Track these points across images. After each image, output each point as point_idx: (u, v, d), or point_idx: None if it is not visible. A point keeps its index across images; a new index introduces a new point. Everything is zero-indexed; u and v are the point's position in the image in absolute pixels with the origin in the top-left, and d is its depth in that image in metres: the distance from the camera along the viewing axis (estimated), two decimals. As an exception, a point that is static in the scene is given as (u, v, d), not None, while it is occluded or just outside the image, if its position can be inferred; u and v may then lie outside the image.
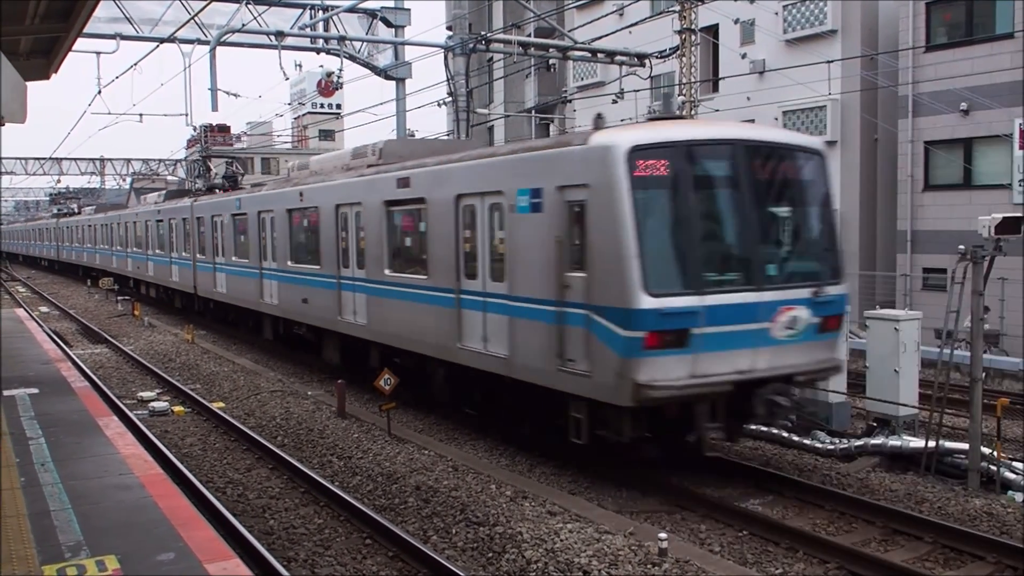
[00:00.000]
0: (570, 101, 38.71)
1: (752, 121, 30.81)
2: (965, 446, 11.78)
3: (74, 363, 15.18)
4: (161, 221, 30.76)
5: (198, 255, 26.38)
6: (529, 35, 33.68)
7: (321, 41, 24.29)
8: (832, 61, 24.78)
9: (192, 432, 14.30)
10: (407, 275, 14.49)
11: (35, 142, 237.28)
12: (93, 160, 61.82)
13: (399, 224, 15.07)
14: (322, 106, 77.09)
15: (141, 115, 45.96)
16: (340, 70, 24.81)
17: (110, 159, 62.33)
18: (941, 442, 11.94)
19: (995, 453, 11.53)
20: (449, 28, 34.25)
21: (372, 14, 25.62)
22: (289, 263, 19.27)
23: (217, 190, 29.70)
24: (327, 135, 79.54)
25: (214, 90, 20.88)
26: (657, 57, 24.45)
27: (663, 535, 8.86)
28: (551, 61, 37.36)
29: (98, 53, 23.03)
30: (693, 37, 18.54)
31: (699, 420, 10.26)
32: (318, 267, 17.67)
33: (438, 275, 13.33)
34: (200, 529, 6.24)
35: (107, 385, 17.43)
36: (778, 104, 29.33)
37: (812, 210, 11.39)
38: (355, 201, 16.16)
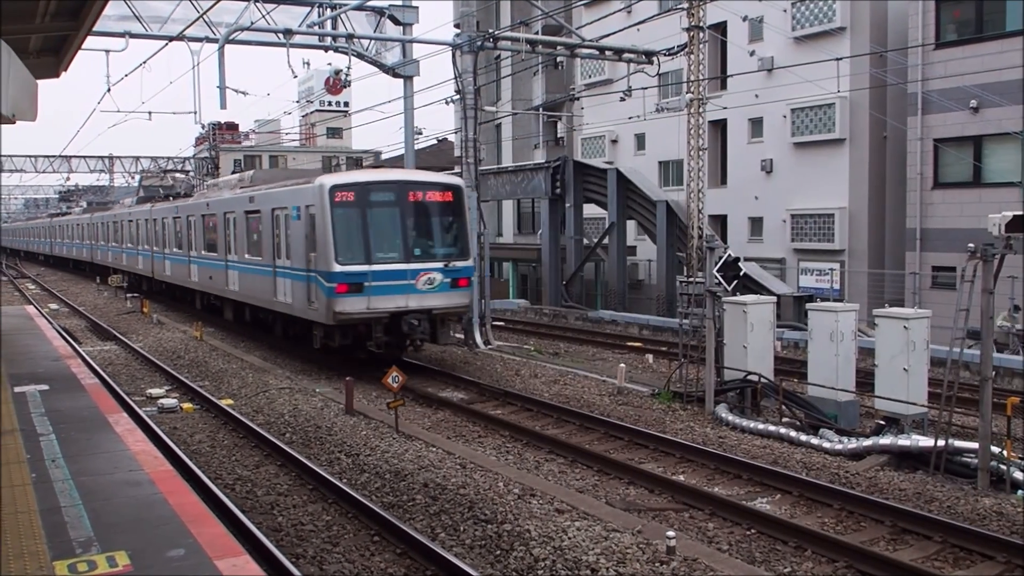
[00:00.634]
0: (578, 99, 38.68)
1: (760, 119, 30.83)
2: (975, 445, 11.75)
3: (84, 360, 15.23)
4: (131, 221, 37.58)
5: (154, 247, 33.30)
6: (537, 33, 33.69)
7: (329, 39, 24.28)
8: (841, 58, 24.72)
9: (201, 429, 14.34)
10: (255, 258, 21.71)
11: (45, 140, 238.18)
12: (102, 158, 61.93)
13: (251, 226, 22.09)
14: (330, 104, 77.12)
15: (150, 113, 46.35)
16: (348, 68, 24.79)
17: (119, 157, 62.44)
18: (950, 441, 11.91)
19: (1005, 452, 11.49)
20: (457, 26, 34.22)
21: (380, 12, 25.60)
22: (203, 252, 26.59)
23: (171, 197, 34.97)
24: (335, 133, 79.61)
25: (222, 88, 20.93)
26: (665, 54, 24.41)
27: (671, 533, 8.86)
28: (559, 59, 37.43)
29: (107, 51, 23.08)
30: (701, 34, 18.47)
31: (374, 333, 17.74)
32: (216, 255, 25.01)
33: (266, 257, 20.77)
34: (210, 525, 6.26)
35: (116, 382, 17.48)
36: (786, 102, 29.27)
37: (447, 219, 18.78)
38: (232, 210, 23.61)
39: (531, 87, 44.42)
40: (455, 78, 23.75)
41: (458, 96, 23.97)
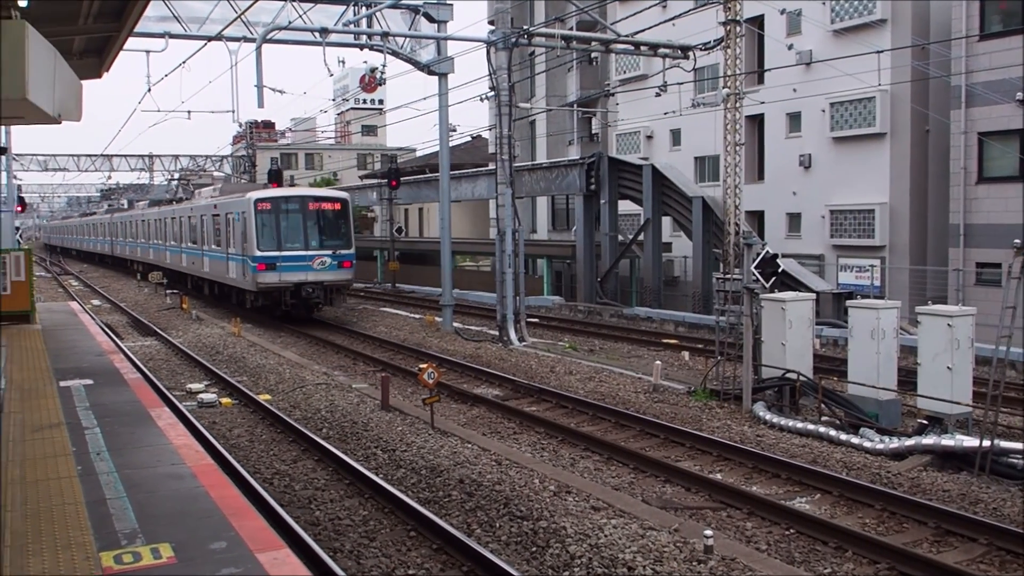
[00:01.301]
0: (612, 94, 38.51)
1: (799, 113, 30.52)
2: (1021, 446, 11.54)
3: (126, 355, 15.44)
4: (143, 221, 45.84)
5: (156, 241, 41.72)
6: (571, 28, 33.57)
7: (364, 37, 24.43)
8: (882, 51, 24.37)
9: (239, 423, 14.50)
10: (216, 248, 30.15)
11: (87, 139, 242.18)
12: (142, 156, 62.83)
13: (216, 225, 30.22)
14: (365, 102, 77.51)
15: (189, 112, 46.89)
16: (383, 66, 24.90)
17: (159, 155, 63.31)
18: (996, 441, 11.70)
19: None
20: (491, 23, 34.22)
21: (415, 9, 25.69)
22: (189, 244, 34.62)
23: (173, 202, 42.08)
24: (370, 130, 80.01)
25: (260, 87, 21.12)
26: (701, 49, 24.20)
27: (709, 532, 8.80)
28: (593, 54, 37.26)
29: (148, 52, 23.40)
30: (738, 28, 18.29)
31: (283, 298, 26.02)
32: (196, 246, 33.26)
33: (222, 247, 29.17)
34: (250, 519, 6.32)
35: (157, 377, 17.72)
36: (825, 96, 28.94)
37: (336, 221, 26.92)
38: (204, 213, 32.07)
39: (565, 83, 44.31)
40: (489, 75, 23.75)
41: (492, 93, 23.97)
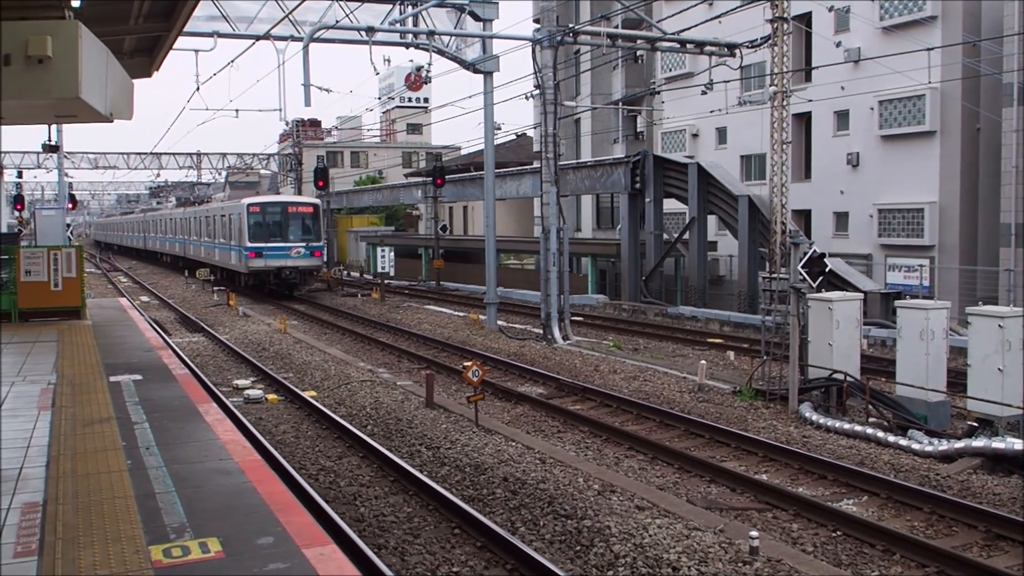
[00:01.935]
0: (658, 92, 38.28)
1: (847, 111, 30.07)
2: (1075, 449, 11.27)
3: (174, 351, 15.66)
4: (171, 219, 54.19)
5: (183, 236, 49.43)
6: (617, 27, 33.44)
7: (410, 36, 24.53)
8: (932, 48, 23.91)
9: (285, 420, 14.66)
10: (221, 240, 38.15)
11: (137, 137, 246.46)
12: (191, 155, 63.77)
13: (223, 223, 37.80)
14: (410, 100, 77.88)
15: (237, 111, 47.59)
16: (428, 64, 25.01)
17: (206, 153, 64.20)
18: (1049, 444, 11.44)
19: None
20: (536, 21, 34.19)
21: (460, 8, 25.74)
22: (205, 238, 42.47)
23: (196, 203, 50.20)
24: (415, 129, 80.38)
25: (307, 85, 21.34)
26: (747, 47, 23.97)
27: (754, 533, 8.72)
28: (639, 52, 37.07)
29: (196, 51, 23.71)
30: (785, 26, 18.07)
31: (269, 281, 34.93)
32: (210, 240, 41.07)
33: (226, 240, 37.25)
34: (297, 515, 6.38)
35: (205, 373, 17.97)
36: (874, 93, 28.51)
37: (308, 221, 35.07)
38: (215, 214, 40.05)
39: (611, 81, 44.14)
40: (535, 73, 23.74)
41: (538, 91, 23.94)
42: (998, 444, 11.90)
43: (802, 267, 15.52)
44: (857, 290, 21.56)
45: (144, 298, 36.67)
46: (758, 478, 11.56)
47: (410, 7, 24.03)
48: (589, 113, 43.66)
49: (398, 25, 23.95)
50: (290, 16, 22.22)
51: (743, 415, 14.98)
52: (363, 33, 22.81)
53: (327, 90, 24.13)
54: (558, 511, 9.82)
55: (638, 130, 43.65)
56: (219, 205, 41.72)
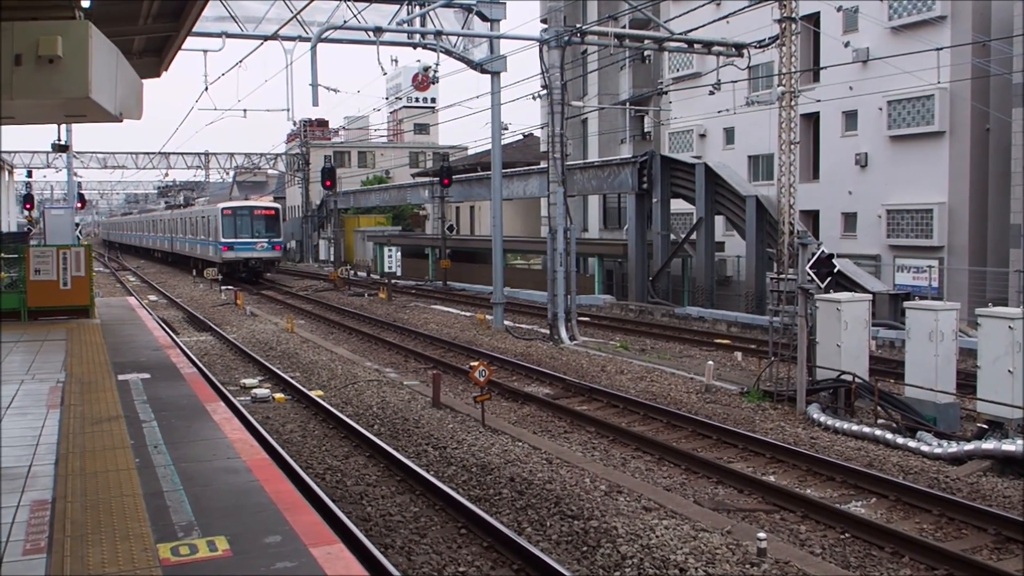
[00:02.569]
0: (666, 92, 38.23)
1: (855, 111, 30.00)
2: (1085, 451, 11.21)
3: (182, 350, 15.70)
4: (163, 219, 61.09)
5: (172, 234, 56.74)
6: (624, 27, 33.39)
7: (418, 36, 24.55)
8: (941, 48, 23.83)
9: (292, 419, 14.67)
10: (202, 237, 47.41)
11: (145, 137, 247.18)
12: (199, 154, 63.98)
13: (204, 223, 46.88)
14: (417, 100, 77.92)
15: (245, 111, 47.75)
16: (436, 64, 25.01)
17: (214, 153, 64.37)
18: (1059, 447, 11.38)
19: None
20: (544, 21, 34.19)
21: (468, 8, 25.75)
22: (189, 236, 50.31)
23: (183, 206, 58.11)
24: (422, 129, 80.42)
25: (315, 85, 21.34)
26: (755, 47, 23.92)
27: (762, 535, 8.69)
28: (646, 53, 37.01)
29: (205, 51, 23.77)
30: (794, 26, 18.03)
31: (240, 269, 43.54)
32: (193, 237, 49.43)
33: (206, 237, 46.41)
34: (304, 514, 6.38)
35: (212, 371, 18.01)
36: (882, 94, 28.42)
37: (271, 221, 44.52)
38: (197, 216, 49.24)
39: (618, 82, 44.10)
40: (542, 73, 23.73)
41: (545, 91, 23.94)
42: (1008, 446, 11.85)
43: (810, 268, 15.48)
44: (865, 291, 21.52)
45: (152, 297, 36.77)
46: (766, 479, 11.53)
47: (418, 7, 24.06)
48: (596, 113, 43.64)
49: (405, 25, 23.98)
50: (298, 16, 22.23)
51: (750, 416, 14.95)
52: (371, 33, 22.84)
53: (335, 90, 24.17)
54: (565, 511, 9.80)
55: (645, 130, 43.59)
56: (200, 208, 51.58)
